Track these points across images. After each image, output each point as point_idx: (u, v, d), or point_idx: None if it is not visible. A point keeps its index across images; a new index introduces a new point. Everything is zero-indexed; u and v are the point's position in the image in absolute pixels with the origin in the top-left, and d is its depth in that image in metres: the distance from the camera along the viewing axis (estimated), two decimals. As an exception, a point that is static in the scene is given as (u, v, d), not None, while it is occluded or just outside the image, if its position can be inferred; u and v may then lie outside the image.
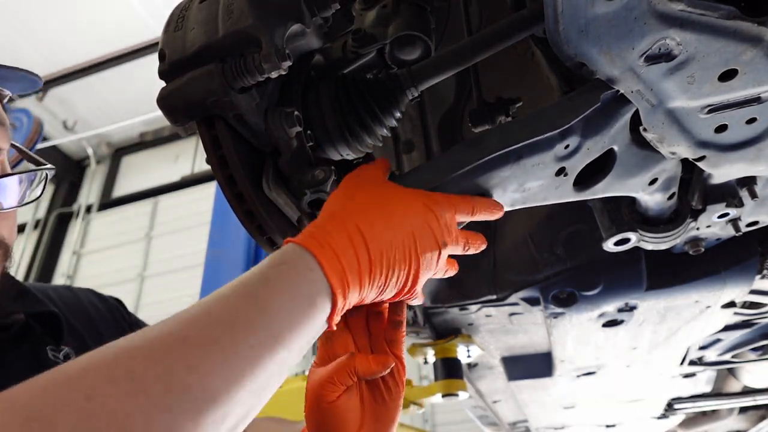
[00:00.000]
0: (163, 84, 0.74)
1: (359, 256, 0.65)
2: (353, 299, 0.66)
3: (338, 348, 0.80)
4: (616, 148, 0.82)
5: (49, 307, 1.00)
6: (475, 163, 0.74)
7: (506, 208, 0.84)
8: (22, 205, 0.90)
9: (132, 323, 1.15)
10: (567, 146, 0.76)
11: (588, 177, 0.85)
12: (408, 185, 0.75)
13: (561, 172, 0.80)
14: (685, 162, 0.89)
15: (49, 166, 0.93)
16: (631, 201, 1.08)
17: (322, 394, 0.75)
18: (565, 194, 0.85)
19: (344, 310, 0.66)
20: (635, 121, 0.78)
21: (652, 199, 0.97)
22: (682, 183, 0.99)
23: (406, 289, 0.72)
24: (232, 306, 0.57)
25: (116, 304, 1.18)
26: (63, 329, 0.98)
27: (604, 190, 0.88)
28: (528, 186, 0.81)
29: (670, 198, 0.99)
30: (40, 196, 0.93)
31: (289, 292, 0.60)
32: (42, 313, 0.98)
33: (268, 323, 0.57)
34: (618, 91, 0.72)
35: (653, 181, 0.92)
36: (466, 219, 0.78)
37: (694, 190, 1.00)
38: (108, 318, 1.12)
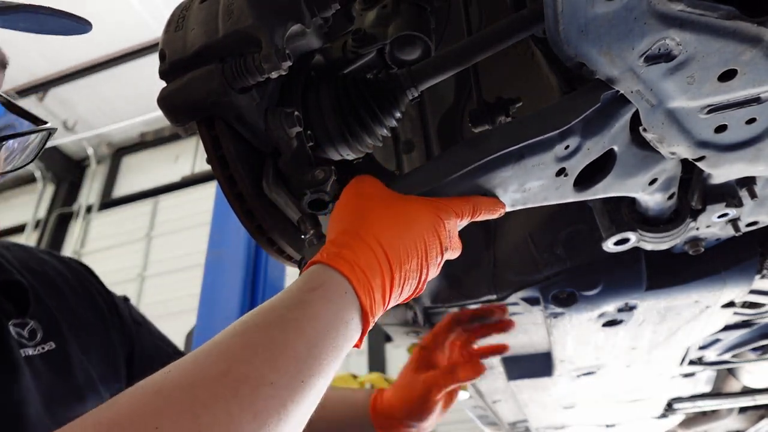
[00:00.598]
0: (163, 84, 0.74)
1: (384, 274, 0.65)
2: (379, 315, 0.67)
3: (435, 357, 1.10)
4: (616, 148, 0.82)
5: (14, 275, 0.89)
6: (476, 164, 0.74)
7: (507, 209, 0.84)
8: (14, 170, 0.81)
9: (101, 291, 1.07)
10: (567, 147, 0.76)
11: (588, 177, 0.85)
12: (409, 186, 0.75)
13: (561, 172, 0.80)
14: (684, 162, 0.89)
15: (48, 125, 0.85)
16: (631, 201, 1.08)
17: (429, 395, 1.02)
18: (566, 194, 0.86)
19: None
20: (635, 121, 0.78)
21: (652, 199, 0.98)
22: (682, 183, 0.99)
23: (413, 294, 0.73)
24: (272, 335, 0.55)
25: (80, 269, 1.09)
26: (29, 300, 0.87)
27: (604, 190, 0.88)
28: (528, 186, 0.81)
29: (669, 198, 0.99)
30: (33, 159, 0.83)
31: (327, 317, 0.59)
32: (5, 281, 0.87)
33: (313, 351, 0.56)
34: (618, 91, 0.72)
35: (653, 181, 0.92)
36: (468, 221, 0.78)
37: (693, 190, 1.00)
38: (77, 287, 1.02)
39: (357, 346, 0.65)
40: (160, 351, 1.13)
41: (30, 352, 0.82)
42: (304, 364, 0.54)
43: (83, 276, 1.07)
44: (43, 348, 0.85)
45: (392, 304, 0.69)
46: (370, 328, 0.66)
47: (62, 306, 0.94)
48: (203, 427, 0.45)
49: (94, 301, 1.02)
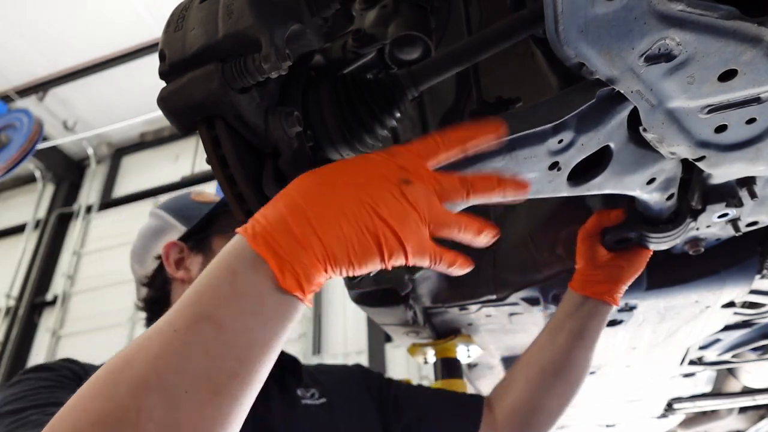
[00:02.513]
0: (163, 84, 0.74)
1: (305, 242, 0.62)
2: (321, 279, 0.64)
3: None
4: (612, 145, 0.82)
5: (290, 356, 1.27)
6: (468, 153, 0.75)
7: (500, 200, 0.84)
8: None
9: (369, 377, 1.38)
10: (560, 141, 0.77)
11: (583, 172, 0.85)
12: None
13: (554, 166, 0.80)
14: (684, 162, 0.89)
15: None
16: (630, 201, 1.09)
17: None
18: (559, 188, 0.86)
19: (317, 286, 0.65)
20: (634, 119, 0.78)
21: (651, 198, 0.98)
22: (682, 183, 0.99)
23: (400, 252, 0.66)
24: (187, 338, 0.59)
25: (354, 368, 1.43)
26: (302, 372, 1.24)
27: (599, 186, 0.88)
28: (521, 178, 0.81)
29: (669, 198, 0.99)
30: None
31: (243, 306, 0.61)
32: (288, 359, 1.26)
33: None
34: (614, 88, 0.72)
35: (651, 181, 0.92)
36: (462, 198, 0.74)
37: (693, 190, 1.00)
38: (344, 373, 1.39)
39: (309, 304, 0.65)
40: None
41: (308, 401, 1.18)
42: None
43: (353, 368, 1.43)
44: (317, 401, 1.19)
45: (354, 265, 0.65)
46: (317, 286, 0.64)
47: (331, 382, 1.30)
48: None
49: (357, 382, 1.36)
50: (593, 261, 1.21)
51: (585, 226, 1.22)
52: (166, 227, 1.40)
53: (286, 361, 1.24)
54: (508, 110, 0.97)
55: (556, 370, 1.23)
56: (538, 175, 0.82)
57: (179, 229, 1.36)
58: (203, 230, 1.32)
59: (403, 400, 1.33)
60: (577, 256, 1.24)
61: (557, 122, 0.75)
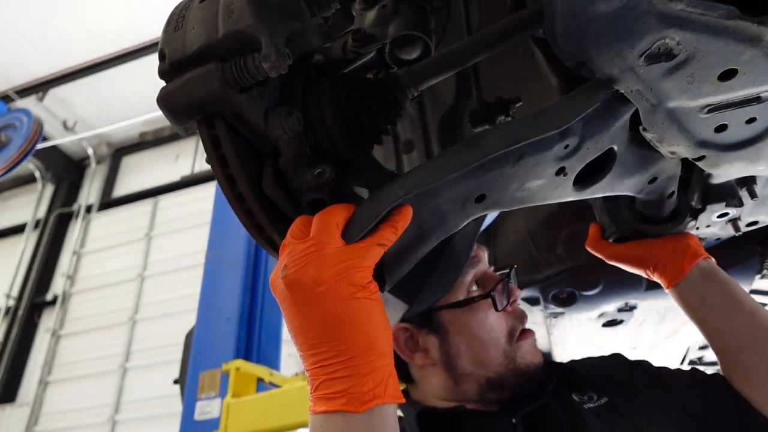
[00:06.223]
0: (163, 83, 0.74)
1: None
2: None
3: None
4: (615, 147, 0.82)
5: (574, 367, 1.19)
6: (476, 163, 0.74)
7: (506, 208, 0.84)
8: None
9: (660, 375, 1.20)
10: (567, 146, 0.76)
11: (588, 176, 0.85)
12: (407, 184, 0.74)
13: (561, 171, 0.80)
14: (684, 162, 0.89)
15: None
16: (631, 200, 1.08)
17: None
18: (565, 194, 0.86)
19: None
20: (635, 120, 0.78)
21: (653, 197, 0.98)
22: (682, 182, 0.99)
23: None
24: None
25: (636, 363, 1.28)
26: (584, 381, 1.14)
27: (603, 189, 0.88)
28: (528, 186, 0.81)
29: (669, 196, 0.99)
30: None
31: None
32: (567, 370, 1.17)
33: None
34: (617, 90, 0.72)
35: (653, 180, 0.92)
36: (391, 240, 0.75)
37: (693, 190, 1.00)
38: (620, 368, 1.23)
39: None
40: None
41: (591, 405, 1.09)
42: None
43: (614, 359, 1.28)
44: (600, 402, 1.10)
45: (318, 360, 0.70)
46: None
47: (606, 380, 1.17)
48: None
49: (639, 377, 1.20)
50: (634, 257, 1.15)
51: (592, 238, 1.20)
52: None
53: (563, 374, 1.16)
54: (509, 111, 0.97)
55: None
56: (545, 182, 0.81)
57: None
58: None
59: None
60: (625, 263, 1.17)
61: (564, 127, 0.74)
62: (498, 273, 1.15)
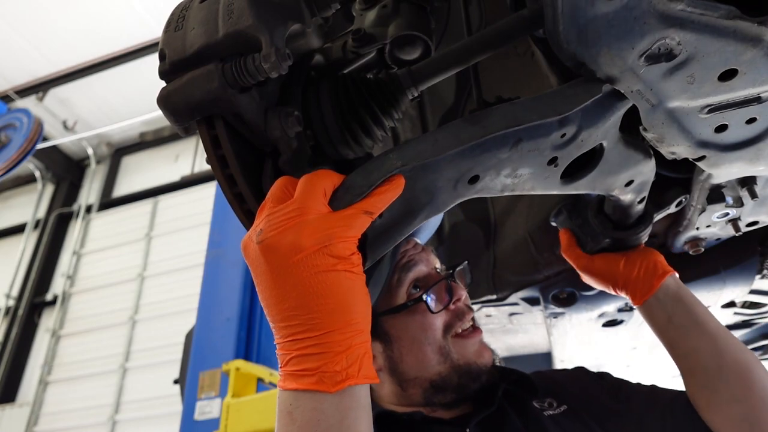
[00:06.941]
0: (163, 83, 0.74)
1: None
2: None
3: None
4: (605, 143, 0.82)
5: (518, 372, 1.19)
6: (477, 141, 0.71)
7: (495, 194, 0.83)
8: None
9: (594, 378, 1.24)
10: (563, 135, 0.76)
11: (575, 170, 0.85)
12: (405, 156, 0.72)
13: (553, 161, 0.80)
14: (684, 162, 0.89)
15: None
16: (598, 210, 1.11)
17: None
18: (552, 185, 0.85)
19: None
20: (625, 119, 0.78)
21: (625, 200, 0.98)
22: (681, 183, 0.99)
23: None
24: None
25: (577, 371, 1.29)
26: (536, 386, 1.14)
27: (586, 186, 0.88)
28: (520, 172, 0.80)
29: (640, 202, 1.00)
30: None
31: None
32: (520, 377, 1.17)
33: None
34: (617, 84, 0.72)
35: (629, 183, 0.92)
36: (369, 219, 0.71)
37: (694, 190, 1.01)
38: (572, 378, 1.25)
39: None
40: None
41: (551, 412, 1.09)
42: None
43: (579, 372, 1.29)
44: (560, 409, 1.10)
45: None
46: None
47: (567, 389, 1.19)
48: None
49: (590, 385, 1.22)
50: (600, 273, 1.17)
51: (566, 245, 1.21)
52: None
53: (515, 379, 1.15)
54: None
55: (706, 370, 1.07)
56: (535, 171, 0.81)
57: None
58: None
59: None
60: (593, 278, 1.19)
61: (565, 115, 0.73)
62: (446, 272, 1.12)
